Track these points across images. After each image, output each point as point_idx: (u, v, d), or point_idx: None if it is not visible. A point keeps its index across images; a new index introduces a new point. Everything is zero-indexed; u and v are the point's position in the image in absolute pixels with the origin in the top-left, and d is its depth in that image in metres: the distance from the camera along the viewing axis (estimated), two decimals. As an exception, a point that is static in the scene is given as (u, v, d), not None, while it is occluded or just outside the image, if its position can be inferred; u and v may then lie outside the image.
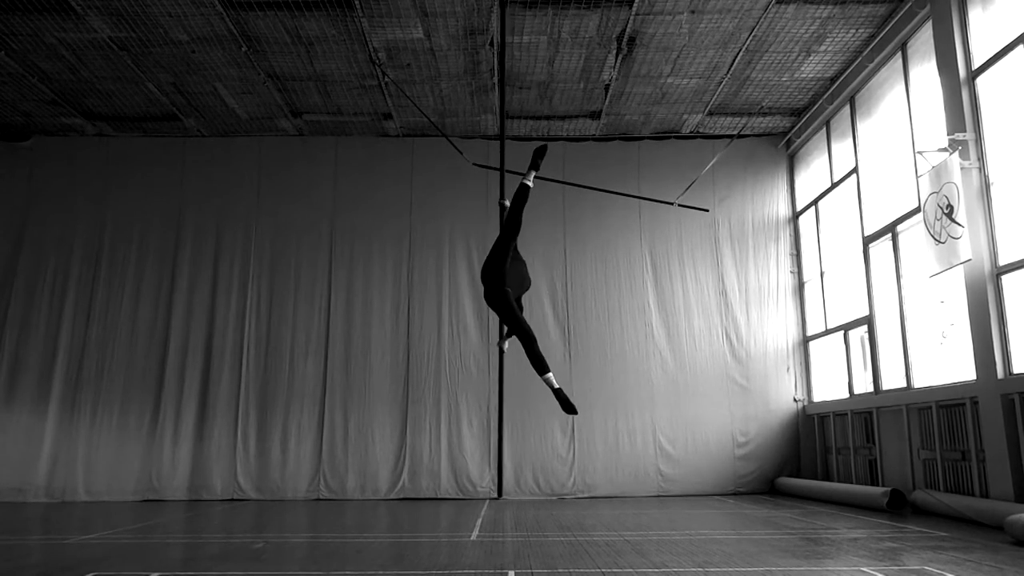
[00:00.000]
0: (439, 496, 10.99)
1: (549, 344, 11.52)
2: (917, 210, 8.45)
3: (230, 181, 12.05)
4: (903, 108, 8.98)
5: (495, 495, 10.99)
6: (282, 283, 11.77)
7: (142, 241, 11.85)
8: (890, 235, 9.16)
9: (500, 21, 7.19)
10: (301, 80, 10.34)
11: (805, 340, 11.62)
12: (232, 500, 10.91)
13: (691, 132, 12.00)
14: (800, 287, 11.78)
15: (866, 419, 9.76)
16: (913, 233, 8.76)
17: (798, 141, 11.70)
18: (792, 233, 11.95)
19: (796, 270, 11.85)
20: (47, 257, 11.78)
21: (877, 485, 9.34)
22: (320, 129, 11.92)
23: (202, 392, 11.41)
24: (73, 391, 11.35)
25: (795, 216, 11.95)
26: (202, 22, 8.93)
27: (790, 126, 11.76)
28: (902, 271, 8.97)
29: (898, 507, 8.44)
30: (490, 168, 10.25)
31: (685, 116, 11.47)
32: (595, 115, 11.41)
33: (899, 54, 9.03)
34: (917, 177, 8.41)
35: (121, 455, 11.13)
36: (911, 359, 8.76)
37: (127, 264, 11.79)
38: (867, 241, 9.70)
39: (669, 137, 12.10)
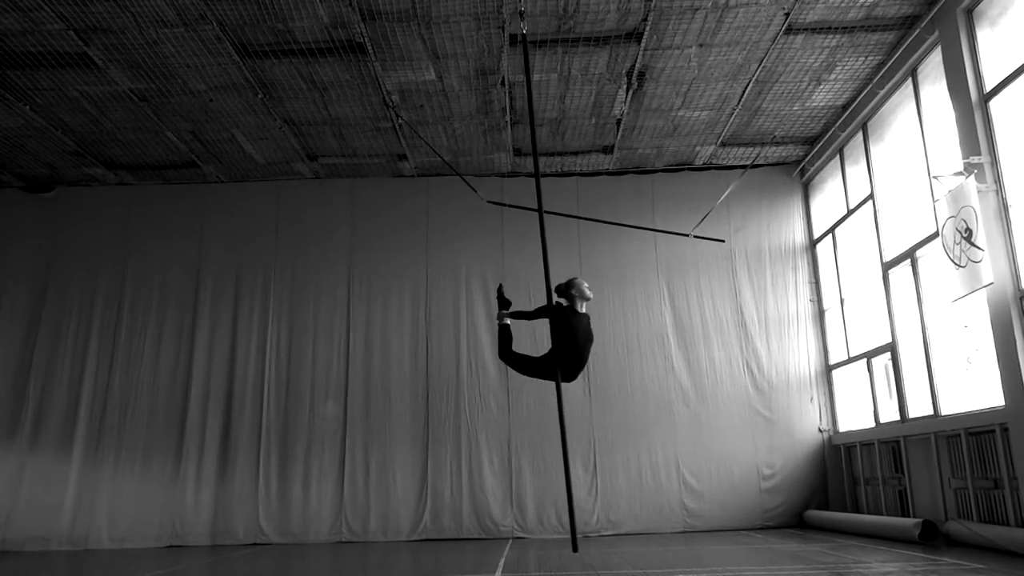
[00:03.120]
0: (461, 536, 10.87)
1: (568, 379, 11.44)
2: (936, 235, 8.37)
3: (248, 225, 12.21)
4: (916, 133, 8.96)
5: (519, 534, 10.86)
6: (301, 325, 11.83)
7: (163, 288, 11.98)
8: (909, 260, 9.07)
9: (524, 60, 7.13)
10: (316, 124, 10.51)
11: (828, 369, 11.47)
12: (255, 545, 10.85)
13: (704, 164, 12.03)
14: (820, 315, 11.67)
15: (893, 448, 9.57)
16: (933, 258, 8.67)
17: (812, 169, 11.69)
18: (810, 261, 11.87)
19: (816, 298, 11.74)
20: (70, 306, 11.92)
21: (908, 516, 9.13)
22: (336, 171, 12.07)
23: (223, 436, 11.42)
24: (96, 438, 11.39)
25: (812, 244, 11.88)
26: (219, 71, 9.13)
27: (803, 154, 11.76)
28: (923, 296, 8.86)
29: (931, 539, 8.24)
30: (504, 205, 10.32)
31: (698, 148, 11.51)
32: (608, 149, 11.48)
33: (910, 80, 9.04)
34: (934, 201, 8.36)
35: (144, 501, 11.12)
36: (937, 386, 8.61)
37: (148, 311, 11.89)
38: (886, 267, 9.61)
39: (683, 169, 12.14)
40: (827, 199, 11.58)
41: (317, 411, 11.47)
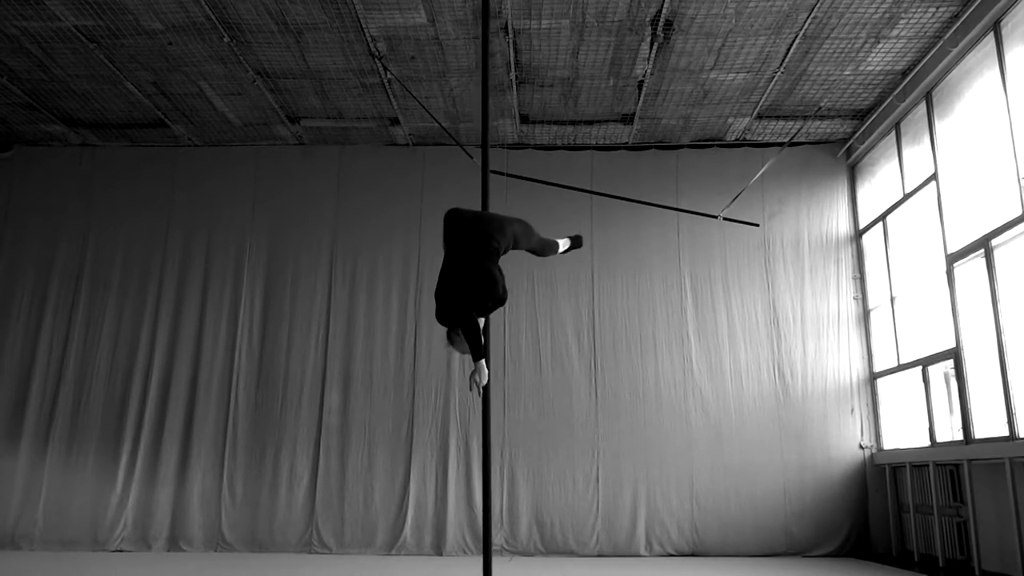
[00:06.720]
0: (444, 553, 9.54)
1: (572, 379, 10.09)
2: (1019, 220, 6.95)
3: (223, 195, 10.91)
4: (997, 100, 7.48)
5: (508, 552, 9.52)
6: (276, 308, 10.54)
7: (126, 263, 10.72)
8: (982, 251, 7.60)
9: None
10: (294, 78, 9.20)
11: (872, 377, 10.01)
12: (216, 551, 9.62)
13: (737, 139, 10.59)
14: (865, 315, 10.20)
15: (952, 473, 8.11)
16: (1013, 247, 7.22)
17: (861, 148, 10.20)
18: (855, 253, 10.39)
19: (860, 296, 10.26)
20: (24, 278, 10.70)
21: (967, 551, 7.69)
22: (321, 137, 10.76)
23: (185, 430, 10.16)
24: (46, 428, 10.17)
25: (858, 234, 10.40)
26: (175, 6, 7.82)
27: (851, 131, 10.28)
28: (999, 294, 7.39)
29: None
30: (504, 175, 8.97)
31: (730, 120, 10.07)
32: (627, 119, 10.07)
33: (991, 35, 7.56)
34: (1020, 180, 6.93)
35: (96, 501, 9.89)
36: (1015, 402, 7.15)
37: (109, 288, 10.63)
38: (951, 260, 8.15)
39: (712, 145, 10.69)
40: (878, 182, 10.10)
41: (290, 406, 10.19)
